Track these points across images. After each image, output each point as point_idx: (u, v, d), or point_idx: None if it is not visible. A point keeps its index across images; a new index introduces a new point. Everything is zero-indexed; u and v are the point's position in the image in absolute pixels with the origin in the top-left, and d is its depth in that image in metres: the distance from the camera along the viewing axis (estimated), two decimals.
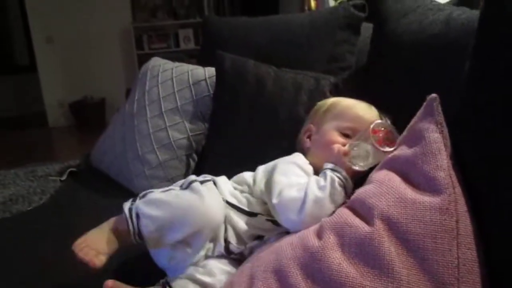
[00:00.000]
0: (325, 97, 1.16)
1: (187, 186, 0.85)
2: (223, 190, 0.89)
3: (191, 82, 1.40)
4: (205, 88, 1.38)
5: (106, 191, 1.37)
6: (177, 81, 1.41)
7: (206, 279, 0.79)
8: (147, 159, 1.34)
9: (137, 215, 0.81)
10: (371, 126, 0.78)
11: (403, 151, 0.69)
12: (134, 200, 0.86)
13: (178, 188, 0.88)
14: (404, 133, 0.72)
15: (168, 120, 1.36)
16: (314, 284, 0.61)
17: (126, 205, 0.85)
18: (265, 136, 1.18)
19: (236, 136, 1.26)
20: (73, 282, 0.91)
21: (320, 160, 0.85)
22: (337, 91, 1.17)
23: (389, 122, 0.88)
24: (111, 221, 0.88)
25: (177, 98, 1.38)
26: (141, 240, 0.83)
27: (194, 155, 1.38)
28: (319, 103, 1.04)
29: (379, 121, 0.83)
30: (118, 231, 0.85)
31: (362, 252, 0.61)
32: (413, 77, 0.95)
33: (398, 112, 0.88)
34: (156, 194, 0.85)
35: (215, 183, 0.90)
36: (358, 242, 0.62)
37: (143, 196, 0.86)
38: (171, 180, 1.29)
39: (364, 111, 0.92)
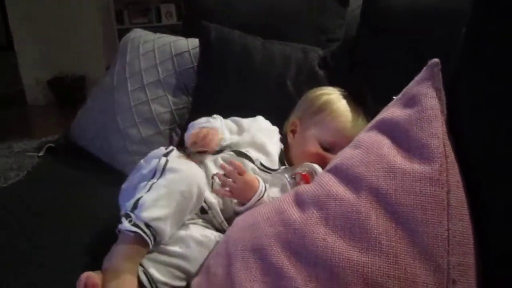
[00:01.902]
0: (313, 71, 1.14)
1: (162, 171, 0.80)
2: None
3: (173, 54, 1.35)
4: (188, 59, 1.34)
5: (86, 167, 1.33)
6: (159, 52, 1.37)
7: (176, 248, 0.77)
8: (129, 134, 1.29)
9: (147, 225, 0.74)
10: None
11: (396, 113, 0.65)
12: (128, 218, 0.75)
13: (153, 179, 0.80)
14: (399, 95, 0.69)
15: (150, 93, 1.32)
16: (298, 262, 0.59)
17: (127, 225, 0.73)
18: (253, 110, 1.14)
19: (222, 110, 1.21)
20: (49, 265, 0.86)
21: (296, 159, 0.94)
22: (326, 65, 1.14)
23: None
24: (120, 262, 0.73)
25: (159, 71, 1.34)
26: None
27: (178, 130, 1.34)
28: (311, 94, 1.01)
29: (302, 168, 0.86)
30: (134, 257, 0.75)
31: (348, 225, 0.59)
32: (407, 48, 0.92)
33: (390, 85, 0.87)
34: (146, 197, 0.76)
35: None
36: (344, 215, 0.60)
37: (134, 207, 0.75)
38: None
39: (348, 124, 0.92)
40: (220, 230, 0.86)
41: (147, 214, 0.74)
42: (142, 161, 0.88)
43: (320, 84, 1.08)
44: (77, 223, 1.01)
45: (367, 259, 0.56)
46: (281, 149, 0.97)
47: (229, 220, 0.88)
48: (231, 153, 0.93)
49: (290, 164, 0.95)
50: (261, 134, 0.96)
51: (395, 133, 0.65)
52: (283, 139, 1.00)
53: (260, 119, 1.03)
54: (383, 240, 0.56)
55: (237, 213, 0.86)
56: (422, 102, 0.64)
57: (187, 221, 0.83)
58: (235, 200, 0.86)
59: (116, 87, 1.36)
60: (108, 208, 0.96)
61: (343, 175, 0.65)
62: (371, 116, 0.94)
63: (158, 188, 0.77)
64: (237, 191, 0.81)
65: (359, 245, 0.57)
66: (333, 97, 0.97)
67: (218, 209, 0.87)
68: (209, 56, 1.29)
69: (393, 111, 0.68)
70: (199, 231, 0.82)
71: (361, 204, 0.60)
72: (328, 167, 0.71)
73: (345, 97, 0.97)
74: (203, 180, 0.82)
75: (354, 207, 0.60)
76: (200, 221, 0.85)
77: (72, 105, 4.17)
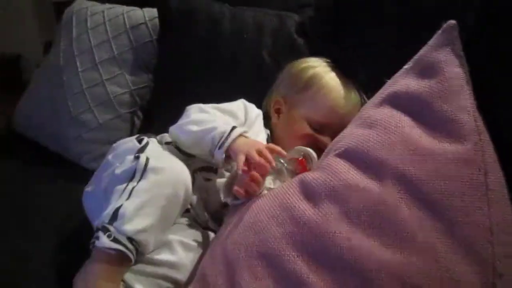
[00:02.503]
0: (292, 40, 1.03)
1: (143, 173, 0.67)
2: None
3: (128, 26, 1.20)
4: (145, 32, 1.19)
5: (35, 161, 1.18)
6: (111, 25, 1.20)
7: (161, 256, 0.67)
8: (83, 120, 1.15)
9: (129, 239, 0.62)
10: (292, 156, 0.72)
11: (412, 85, 0.57)
12: (106, 232, 0.62)
13: (132, 182, 0.67)
14: (410, 64, 0.60)
15: (105, 73, 1.17)
16: (320, 267, 0.50)
17: (106, 242, 0.61)
18: (224, 88, 1.04)
19: (188, 88, 1.10)
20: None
21: (284, 142, 0.82)
22: (304, 32, 1.04)
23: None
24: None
25: (113, 46, 1.18)
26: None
27: (139, 112, 1.21)
28: (295, 68, 0.90)
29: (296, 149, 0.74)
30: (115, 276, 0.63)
31: (376, 220, 0.51)
32: (389, 15, 0.83)
33: (381, 54, 0.81)
34: (127, 205, 0.64)
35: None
36: (369, 208, 0.51)
37: (113, 219, 0.63)
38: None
39: (340, 101, 0.83)
40: (207, 228, 0.76)
41: (130, 227, 0.61)
42: (109, 156, 0.75)
43: (301, 54, 0.98)
44: (33, 230, 0.88)
45: (402, 259, 0.48)
46: (268, 134, 0.87)
47: (215, 214, 0.78)
48: None
49: None
50: (252, 129, 0.83)
51: (414, 108, 0.57)
52: (267, 122, 0.89)
53: (247, 104, 0.89)
54: (419, 235, 0.49)
55: (224, 206, 0.76)
56: (444, 70, 0.56)
57: None
58: (222, 193, 0.74)
59: (63, 68, 1.20)
60: (67, 209, 0.86)
61: (360, 160, 0.56)
62: (362, 90, 0.86)
63: (140, 193, 0.64)
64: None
65: (392, 243, 0.49)
66: (320, 70, 0.87)
67: (202, 207, 0.76)
68: (170, 28, 1.15)
69: (407, 82, 0.60)
70: (184, 233, 0.71)
71: (388, 194, 0.52)
72: (335, 151, 0.61)
73: (332, 69, 0.87)
74: (189, 179, 0.70)
75: (380, 198, 0.52)
76: (184, 220, 0.74)
77: (7, 90, 3.81)
